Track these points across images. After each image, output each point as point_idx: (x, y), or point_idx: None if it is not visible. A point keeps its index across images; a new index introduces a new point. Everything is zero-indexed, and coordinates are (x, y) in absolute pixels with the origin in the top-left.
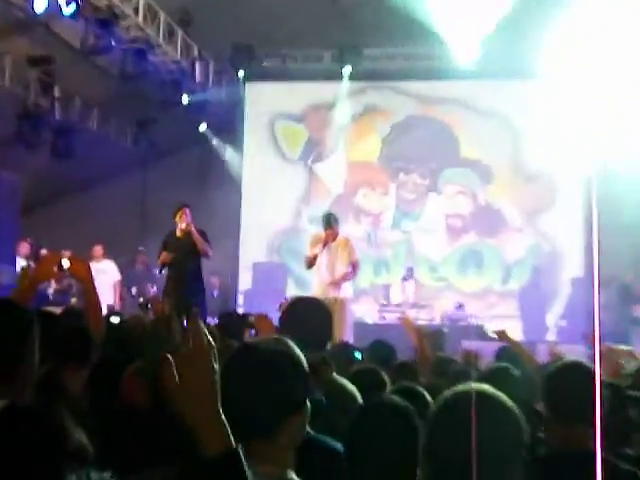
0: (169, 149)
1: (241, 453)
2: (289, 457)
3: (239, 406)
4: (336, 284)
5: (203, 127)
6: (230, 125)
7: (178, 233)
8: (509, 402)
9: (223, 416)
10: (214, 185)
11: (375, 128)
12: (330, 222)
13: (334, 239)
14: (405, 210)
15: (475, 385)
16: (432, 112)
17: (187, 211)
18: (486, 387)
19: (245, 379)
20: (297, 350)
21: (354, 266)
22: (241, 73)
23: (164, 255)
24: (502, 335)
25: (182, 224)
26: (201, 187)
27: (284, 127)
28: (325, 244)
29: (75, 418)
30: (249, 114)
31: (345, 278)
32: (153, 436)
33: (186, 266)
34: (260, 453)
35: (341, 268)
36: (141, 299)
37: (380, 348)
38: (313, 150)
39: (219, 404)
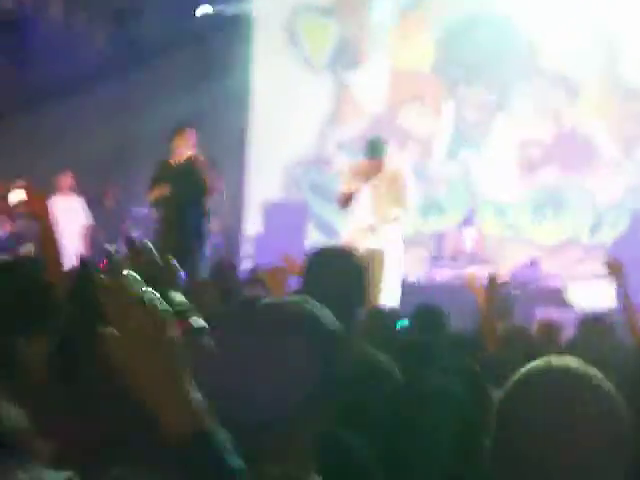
0: (155, 49)
1: (215, 435)
2: (310, 456)
3: (246, 389)
4: (377, 231)
5: (202, 10)
6: (235, 18)
7: (176, 161)
8: (606, 384)
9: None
10: (214, 97)
11: (427, 26)
12: (377, 149)
13: (379, 172)
14: (465, 134)
15: (558, 361)
16: (501, 6)
17: (191, 133)
18: (574, 363)
19: (253, 352)
20: (328, 315)
21: (404, 209)
22: None
23: (158, 189)
24: (614, 268)
25: (184, 150)
26: (196, 100)
27: (308, 22)
28: (368, 177)
29: (28, 398)
30: (260, 3)
31: (394, 223)
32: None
33: (187, 204)
34: (276, 451)
35: (388, 210)
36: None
37: (428, 314)
38: (345, 54)
39: (185, 380)
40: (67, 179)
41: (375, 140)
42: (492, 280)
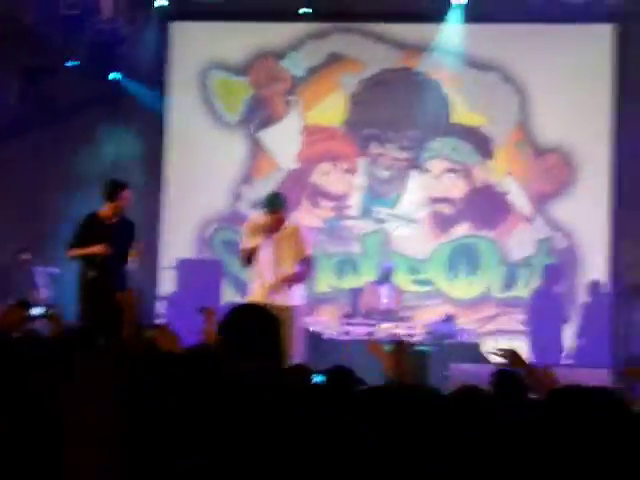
0: (67, 107)
1: None
2: None
3: None
4: (281, 287)
5: (113, 75)
6: (148, 78)
7: (110, 220)
8: None
9: None
10: (127, 156)
11: (340, 83)
12: (275, 204)
13: (279, 227)
14: (378, 192)
15: None
16: (414, 63)
17: (131, 194)
18: None
19: None
20: None
21: (306, 263)
22: (162, 6)
23: (98, 247)
24: (510, 357)
25: (122, 210)
26: (109, 158)
27: (221, 81)
28: (268, 233)
29: None
30: (174, 64)
31: (294, 279)
32: None
33: (118, 267)
34: None
35: (289, 266)
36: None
37: (342, 376)
38: (258, 112)
39: None
40: None
41: (273, 195)
42: (399, 344)
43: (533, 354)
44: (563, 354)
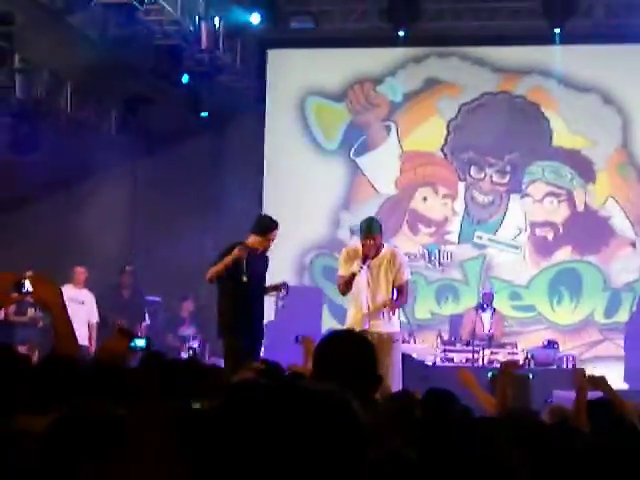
0: (166, 138)
1: None
2: None
3: None
4: (379, 314)
5: (205, 114)
6: (247, 107)
7: (259, 248)
8: None
9: None
10: (225, 183)
11: (439, 109)
12: (371, 230)
13: (377, 253)
14: (478, 218)
15: None
16: (513, 87)
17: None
18: None
19: None
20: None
21: (401, 290)
22: (261, 35)
23: (234, 251)
24: (595, 382)
25: (270, 244)
26: (208, 186)
27: (318, 107)
28: (365, 259)
29: None
30: (272, 91)
31: (391, 305)
32: None
33: (260, 302)
34: None
35: (386, 291)
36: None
37: (438, 398)
38: (356, 138)
39: None
40: (81, 272)
41: (369, 220)
42: (505, 367)
43: (629, 380)
44: None
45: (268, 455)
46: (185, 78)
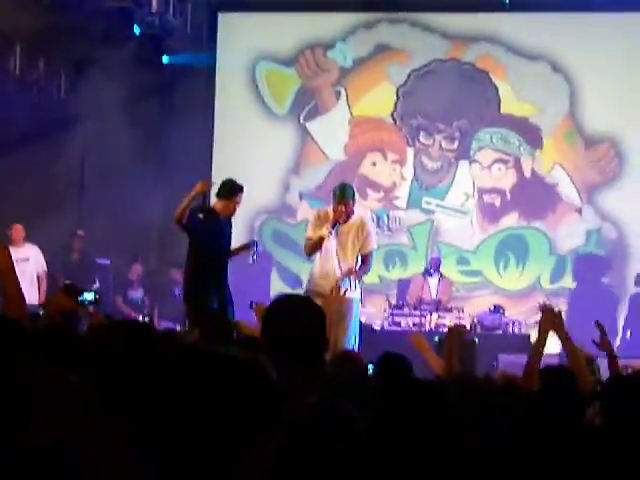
0: (115, 100)
1: None
2: None
3: None
4: (346, 279)
5: (166, 59)
6: (197, 71)
7: (223, 213)
8: None
9: None
10: (175, 146)
11: (388, 75)
12: (344, 196)
13: (347, 218)
14: (427, 183)
15: None
16: (463, 54)
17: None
18: None
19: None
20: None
21: (365, 258)
22: None
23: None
24: (552, 317)
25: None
26: (158, 149)
27: (269, 72)
28: (335, 224)
29: None
30: (223, 55)
31: (357, 272)
32: None
33: (226, 267)
34: None
35: (352, 258)
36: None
37: (392, 362)
38: (306, 103)
39: None
40: (19, 228)
41: (343, 185)
42: (452, 331)
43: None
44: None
45: (183, 415)
46: (135, 39)
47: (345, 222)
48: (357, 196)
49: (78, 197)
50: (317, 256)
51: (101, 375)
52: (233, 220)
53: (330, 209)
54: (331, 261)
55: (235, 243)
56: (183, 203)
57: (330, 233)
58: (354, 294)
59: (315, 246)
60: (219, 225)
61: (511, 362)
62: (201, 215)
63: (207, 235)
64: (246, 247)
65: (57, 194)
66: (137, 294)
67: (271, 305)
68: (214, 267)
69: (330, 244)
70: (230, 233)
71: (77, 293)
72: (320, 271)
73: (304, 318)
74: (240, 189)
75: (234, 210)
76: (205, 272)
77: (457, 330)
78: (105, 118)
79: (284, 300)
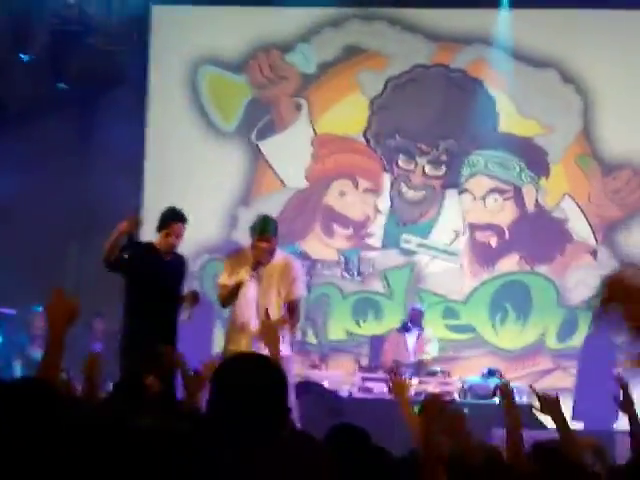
0: (20, 115)
1: None
2: None
3: None
4: (269, 333)
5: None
6: (124, 76)
7: (162, 249)
8: None
9: None
10: (96, 175)
11: (360, 83)
12: (265, 230)
13: (268, 259)
14: (407, 217)
15: None
16: (451, 59)
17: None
18: None
19: None
20: None
21: (293, 307)
22: None
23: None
24: (548, 405)
25: (176, 242)
26: (74, 180)
27: (213, 79)
28: (257, 266)
29: None
30: (156, 57)
31: (283, 324)
32: None
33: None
34: None
35: (276, 307)
36: None
37: (349, 435)
38: (259, 117)
39: None
40: None
41: (262, 219)
42: (430, 402)
43: (583, 415)
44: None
45: None
46: (45, 39)
47: (267, 263)
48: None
49: None
50: (232, 308)
51: None
52: None
53: (247, 249)
54: (252, 311)
55: None
56: (110, 241)
57: (252, 277)
58: (284, 350)
59: (231, 294)
60: (159, 264)
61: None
62: (131, 251)
63: (143, 275)
64: (189, 298)
65: None
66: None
67: (219, 367)
68: (156, 316)
69: (249, 290)
70: (179, 273)
71: None
72: (237, 324)
73: (261, 381)
74: (178, 217)
75: (172, 244)
76: (143, 322)
77: (436, 401)
78: (7, 140)
79: (235, 360)
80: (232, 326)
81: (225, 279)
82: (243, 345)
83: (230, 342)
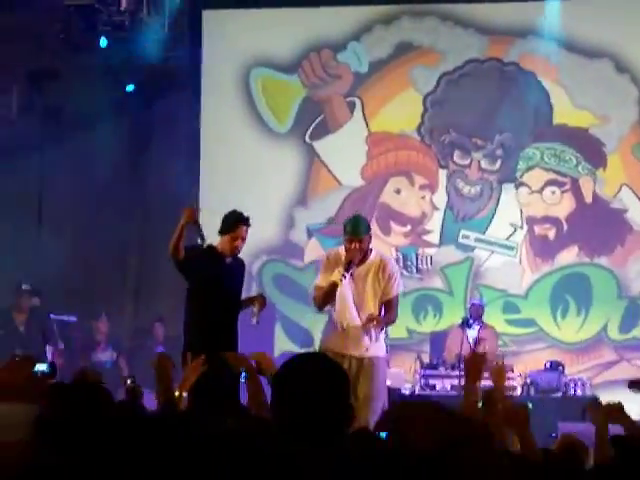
0: (78, 119)
1: None
2: None
3: None
4: (365, 334)
5: (131, 87)
6: (178, 81)
7: (226, 252)
8: None
9: None
10: (152, 177)
11: (413, 80)
12: (357, 231)
13: (363, 260)
14: (464, 213)
15: None
16: (506, 52)
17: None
18: None
19: None
20: None
21: (389, 305)
22: None
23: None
24: (611, 413)
25: (241, 244)
26: (131, 181)
27: (266, 81)
28: (349, 266)
29: None
30: (209, 61)
31: (379, 324)
32: None
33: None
34: None
35: (373, 307)
36: None
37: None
38: (313, 118)
39: None
40: None
41: (355, 219)
42: (489, 393)
43: None
44: None
45: None
46: (103, 43)
47: (361, 263)
48: (378, 231)
49: (34, 245)
50: (331, 307)
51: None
52: None
53: (342, 249)
54: (347, 312)
55: None
56: (174, 235)
57: (344, 277)
58: (379, 351)
59: (327, 295)
60: (223, 267)
61: (574, 431)
62: (197, 253)
63: (205, 278)
64: (257, 300)
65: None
66: (104, 356)
67: (280, 369)
68: (219, 320)
69: (345, 291)
70: (240, 275)
71: (30, 364)
72: (334, 325)
73: (322, 383)
74: (242, 221)
75: (238, 247)
76: (208, 327)
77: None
78: (66, 143)
79: (296, 361)
80: (329, 328)
81: (319, 281)
82: (340, 347)
83: (328, 343)
